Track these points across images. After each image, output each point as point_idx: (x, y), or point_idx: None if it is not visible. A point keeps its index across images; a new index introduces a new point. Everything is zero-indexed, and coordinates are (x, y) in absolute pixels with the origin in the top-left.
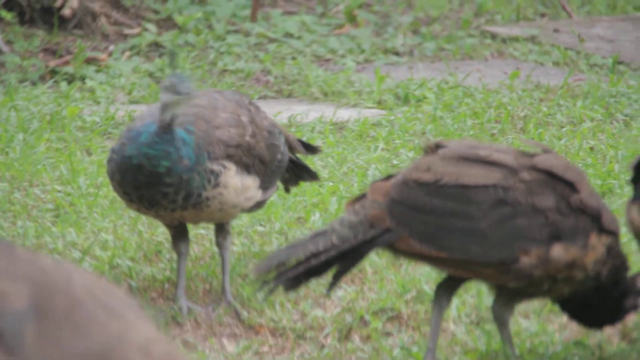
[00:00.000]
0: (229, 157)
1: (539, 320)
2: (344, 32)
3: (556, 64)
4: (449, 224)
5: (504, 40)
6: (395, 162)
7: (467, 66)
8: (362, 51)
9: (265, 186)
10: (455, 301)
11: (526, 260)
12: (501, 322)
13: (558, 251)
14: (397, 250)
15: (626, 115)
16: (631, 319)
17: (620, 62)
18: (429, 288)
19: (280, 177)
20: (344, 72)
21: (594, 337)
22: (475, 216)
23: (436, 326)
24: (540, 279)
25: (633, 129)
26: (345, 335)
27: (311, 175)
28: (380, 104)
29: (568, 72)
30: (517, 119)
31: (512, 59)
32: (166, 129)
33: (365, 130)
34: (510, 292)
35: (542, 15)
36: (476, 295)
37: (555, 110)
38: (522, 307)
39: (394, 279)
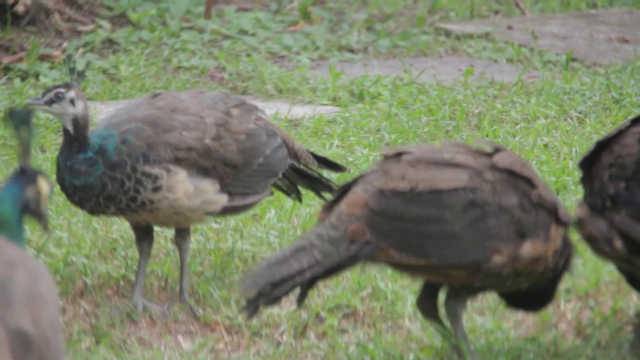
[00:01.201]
0: (178, 161)
1: (494, 317)
2: (299, 29)
3: (510, 61)
4: (427, 230)
5: (458, 38)
6: (350, 158)
7: (422, 63)
8: (317, 48)
9: (236, 191)
10: (410, 298)
11: (498, 260)
12: (455, 318)
13: (527, 248)
14: (376, 261)
15: (580, 112)
16: (586, 315)
17: (573, 59)
18: (384, 285)
19: (268, 182)
20: (298, 69)
21: (549, 333)
22: (449, 220)
23: (444, 330)
24: (507, 276)
25: (587, 126)
26: (300, 332)
27: (328, 189)
28: (335, 101)
29: (522, 69)
30: (471, 116)
31: (466, 56)
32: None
33: (320, 127)
34: (467, 288)
35: (496, 12)
36: None
37: (510, 107)
38: (477, 304)
39: (350, 276)
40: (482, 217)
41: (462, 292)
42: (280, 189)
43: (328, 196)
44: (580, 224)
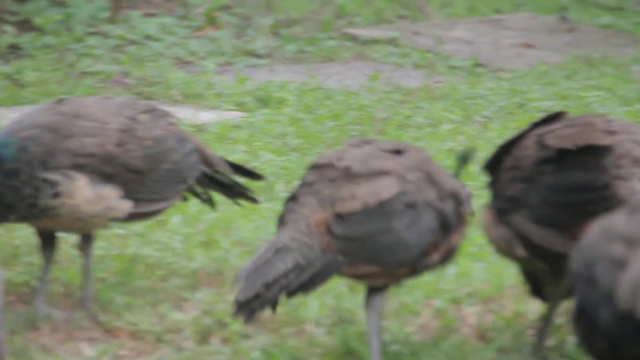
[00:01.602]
0: (78, 167)
1: (397, 321)
2: (205, 34)
3: (416, 66)
4: (382, 241)
5: (364, 43)
6: (255, 164)
7: (328, 68)
8: (223, 53)
9: (142, 197)
10: (314, 303)
11: (435, 255)
12: (377, 315)
13: (455, 238)
14: (344, 273)
15: (485, 117)
16: (489, 319)
17: (479, 64)
18: None
19: (178, 188)
20: (204, 74)
21: (452, 338)
22: (396, 227)
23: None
24: (434, 268)
25: (491, 131)
26: (204, 338)
27: (246, 197)
28: (240, 106)
29: (427, 74)
30: (377, 121)
31: (372, 61)
32: None
33: (225, 132)
34: (392, 286)
35: (402, 17)
36: (335, 298)
37: (415, 112)
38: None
39: None
40: (417, 217)
41: (385, 290)
42: (196, 194)
43: (244, 203)
44: (484, 228)
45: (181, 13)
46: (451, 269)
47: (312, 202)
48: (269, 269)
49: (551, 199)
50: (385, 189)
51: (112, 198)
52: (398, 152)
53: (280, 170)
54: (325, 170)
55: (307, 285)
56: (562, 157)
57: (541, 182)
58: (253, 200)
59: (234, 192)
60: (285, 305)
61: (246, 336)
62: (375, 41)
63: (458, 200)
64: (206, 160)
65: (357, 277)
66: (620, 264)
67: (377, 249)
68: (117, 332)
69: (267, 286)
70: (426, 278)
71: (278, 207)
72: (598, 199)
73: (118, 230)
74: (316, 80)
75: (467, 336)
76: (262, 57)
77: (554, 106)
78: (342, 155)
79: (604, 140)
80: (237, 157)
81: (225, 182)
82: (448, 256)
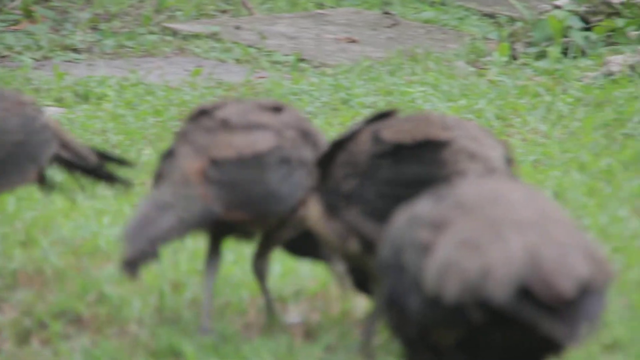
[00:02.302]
0: None
1: (223, 321)
2: (21, 28)
3: (238, 61)
4: (256, 190)
5: (185, 37)
6: None
7: (149, 63)
8: (40, 48)
9: None
10: (136, 302)
11: (304, 210)
12: (261, 276)
13: (313, 196)
14: (221, 220)
15: (309, 113)
16: (315, 317)
17: (302, 60)
18: (111, 290)
19: (26, 168)
20: (21, 69)
21: (279, 336)
22: (270, 180)
23: (209, 288)
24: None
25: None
26: (23, 339)
27: (115, 181)
28: (59, 101)
29: (250, 70)
30: None
31: (193, 56)
32: None
33: None
34: (271, 243)
35: (224, 12)
36: (159, 297)
37: None
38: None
39: (75, 281)
40: (290, 172)
41: (267, 249)
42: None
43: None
44: (314, 223)
45: None
46: (277, 267)
47: (188, 151)
48: (153, 227)
49: (387, 193)
50: (261, 141)
51: None
52: (277, 109)
53: None
54: (202, 120)
55: (187, 233)
56: (399, 152)
57: (377, 177)
58: (125, 183)
59: (96, 175)
60: (106, 305)
61: (67, 337)
62: (196, 36)
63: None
64: (64, 144)
65: (234, 224)
66: (426, 249)
67: (250, 197)
68: None
69: (152, 243)
70: (252, 276)
71: (99, 204)
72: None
73: None
74: (137, 75)
75: (293, 335)
76: (81, 52)
77: (378, 102)
78: (220, 106)
79: (442, 135)
80: None
81: (85, 166)
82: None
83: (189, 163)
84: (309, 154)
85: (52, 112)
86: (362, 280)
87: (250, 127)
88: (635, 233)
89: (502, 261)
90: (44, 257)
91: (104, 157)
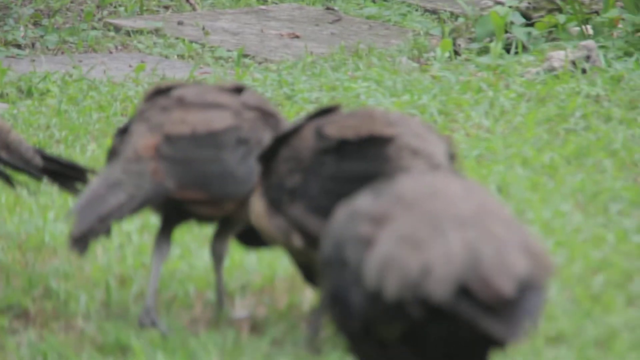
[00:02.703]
0: None
1: (169, 315)
2: None
3: (181, 57)
4: (211, 169)
5: (128, 33)
6: None
7: (91, 59)
8: None
9: None
10: (84, 297)
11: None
12: (219, 258)
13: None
14: (174, 199)
15: None
16: (261, 311)
17: (245, 55)
18: (56, 284)
19: None
20: None
21: (225, 330)
22: (227, 160)
23: (157, 269)
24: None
25: None
26: None
27: (55, 183)
28: (2, 97)
29: (194, 66)
30: None
31: (136, 51)
32: None
33: None
34: (230, 226)
35: (167, 7)
36: (105, 291)
37: None
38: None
39: (21, 276)
40: (248, 154)
41: (226, 232)
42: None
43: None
44: (257, 219)
45: None
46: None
47: (142, 129)
48: (103, 204)
49: (331, 189)
50: (218, 120)
51: None
52: (237, 90)
53: None
54: (158, 99)
55: (137, 210)
56: (343, 148)
57: (320, 173)
58: (71, 189)
59: (34, 175)
60: (52, 300)
61: (13, 331)
62: (139, 31)
63: None
64: (5, 145)
65: (187, 204)
66: (366, 244)
67: (205, 176)
68: None
69: (101, 220)
70: (198, 271)
71: (43, 199)
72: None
73: None
74: (80, 71)
75: (240, 329)
76: (24, 48)
77: (322, 97)
78: (177, 86)
79: (386, 131)
80: None
81: (30, 170)
82: None
83: (142, 140)
84: (269, 137)
85: None
86: (308, 274)
87: (207, 105)
88: (577, 227)
89: (442, 259)
90: None
91: (53, 161)
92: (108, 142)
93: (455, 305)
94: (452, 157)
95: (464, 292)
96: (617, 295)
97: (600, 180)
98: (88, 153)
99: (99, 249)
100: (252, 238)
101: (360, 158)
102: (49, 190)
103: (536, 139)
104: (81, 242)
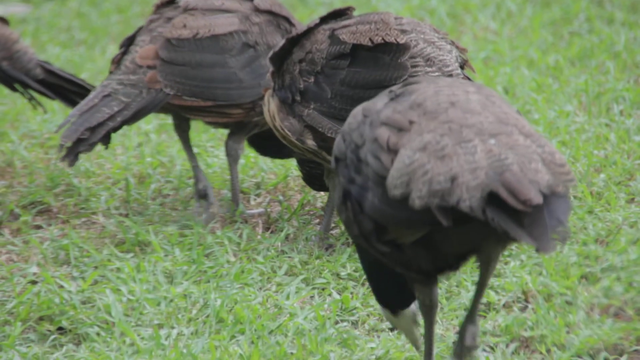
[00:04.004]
0: None
1: (183, 217)
2: None
3: None
4: (212, 75)
5: None
6: (42, 57)
7: None
8: None
9: None
10: (104, 195)
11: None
12: (234, 158)
13: (269, 92)
14: (172, 105)
15: None
16: (275, 209)
17: None
18: (78, 182)
19: None
20: None
21: (240, 228)
22: (230, 64)
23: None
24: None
25: None
26: None
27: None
28: (27, 0)
29: None
30: None
31: None
32: None
33: (12, 26)
34: (244, 129)
35: None
36: (124, 189)
37: None
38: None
39: (44, 173)
40: (255, 57)
41: (241, 133)
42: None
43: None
44: (271, 117)
45: None
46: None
47: (145, 39)
48: (94, 115)
49: (343, 93)
50: (222, 24)
51: None
52: None
53: (67, 64)
54: (166, 10)
55: (131, 120)
56: (357, 53)
57: (334, 77)
58: (69, 102)
59: (57, 93)
60: (74, 196)
61: (37, 227)
62: None
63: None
64: (9, 56)
65: (188, 110)
66: (389, 150)
67: (207, 81)
68: None
69: (92, 130)
70: (214, 169)
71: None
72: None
73: None
74: None
75: (254, 226)
76: None
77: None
78: None
79: (400, 39)
80: None
81: (29, 81)
82: None
83: (142, 50)
84: (280, 39)
85: (19, 10)
86: (310, 174)
87: (213, 10)
88: (581, 127)
89: (469, 168)
90: (14, 150)
91: (55, 74)
92: None
93: (485, 212)
94: (463, 64)
95: (493, 200)
96: (618, 193)
97: (603, 82)
98: (108, 54)
99: (118, 148)
100: (268, 148)
101: (373, 64)
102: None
103: (541, 41)
104: (71, 152)
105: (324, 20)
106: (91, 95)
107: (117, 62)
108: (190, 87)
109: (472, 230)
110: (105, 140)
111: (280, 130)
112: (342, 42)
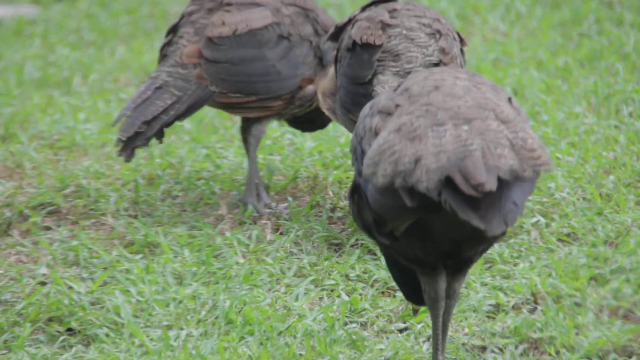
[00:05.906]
0: None
1: (195, 213)
2: None
3: None
4: (253, 69)
5: None
6: (51, 58)
7: None
8: None
9: None
10: (114, 196)
11: (309, 88)
12: (257, 139)
13: (331, 71)
14: (216, 103)
15: None
16: (284, 211)
17: None
18: (87, 183)
19: None
20: None
21: (248, 230)
22: (268, 57)
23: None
24: (314, 99)
25: None
26: (4, 230)
27: None
28: (36, 1)
29: None
30: (172, 16)
31: None
32: None
33: (21, 27)
34: (280, 118)
35: None
36: (134, 190)
37: None
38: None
39: (53, 174)
40: (290, 48)
41: (265, 121)
42: None
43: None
44: (321, 96)
45: None
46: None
47: (190, 32)
48: (149, 108)
49: (343, 85)
50: (257, 18)
51: None
52: None
53: (76, 65)
54: (205, 1)
55: (183, 115)
56: (354, 49)
57: (342, 68)
58: None
59: None
60: (83, 197)
61: (46, 228)
62: None
63: (333, 37)
64: None
65: (231, 107)
66: (376, 135)
67: (249, 76)
68: None
69: (148, 124)
70: (224, 171)
71: (74, 100)
72: (365, 92)
73: None
74: None
75: (263, 228)
76: None
77: None
78: None
79: (377, 40)
80: (33, 52)
81: None
82: (322, 88)
83: (188, 47)
84: (309, 31)
85: (28, 12)
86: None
87: (247, 4)
88: (590, 129)
89: (433, 151)
90: (23, 151)
91: None
92: (136, 44)
93: (439, 195)
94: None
95: (449, 184)
96: (628, 195)
97: (613, 83)
98: (117, 55)
99: None
100: (301, 124)
101: (355, 61)
102: (80, 91)
103: (550, 42)
104: (128, 146)
105: (365, 8)
106: (142, 87)
107: (163, 53)
108: (234, 84)
109: (455, 217)
110: (160, 135)
111: (324, 108)
112: (350, 37)
